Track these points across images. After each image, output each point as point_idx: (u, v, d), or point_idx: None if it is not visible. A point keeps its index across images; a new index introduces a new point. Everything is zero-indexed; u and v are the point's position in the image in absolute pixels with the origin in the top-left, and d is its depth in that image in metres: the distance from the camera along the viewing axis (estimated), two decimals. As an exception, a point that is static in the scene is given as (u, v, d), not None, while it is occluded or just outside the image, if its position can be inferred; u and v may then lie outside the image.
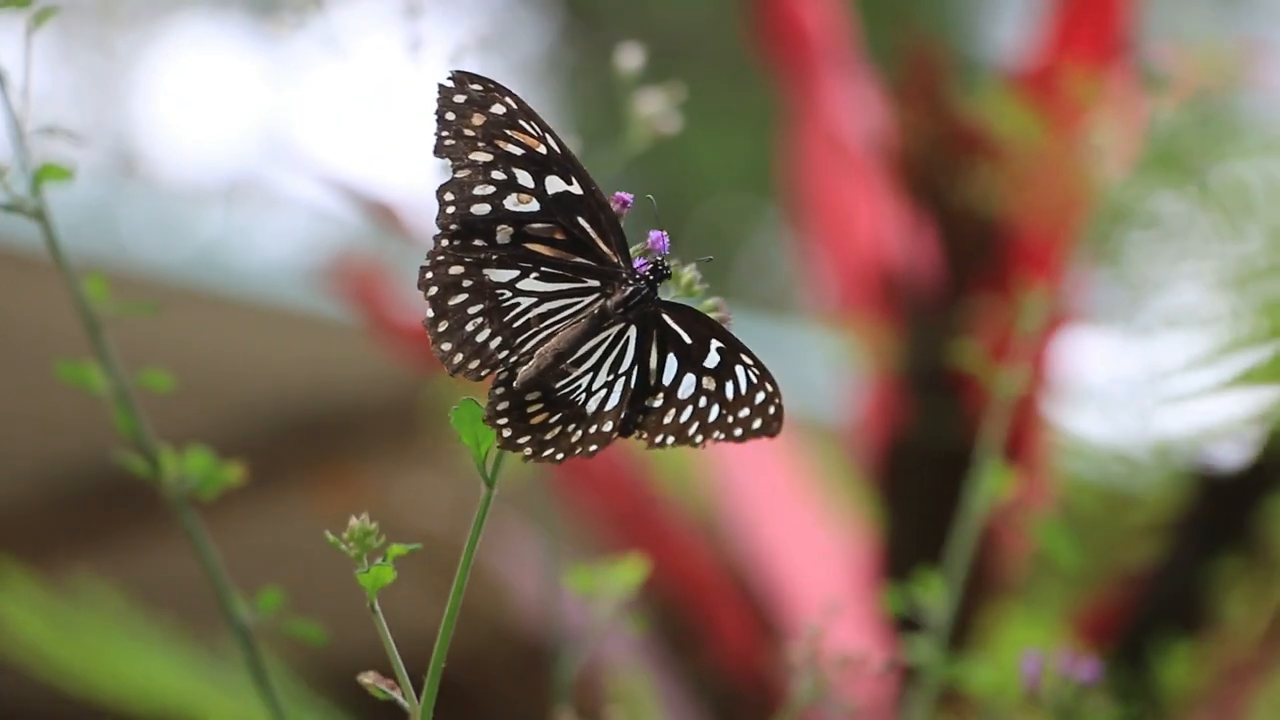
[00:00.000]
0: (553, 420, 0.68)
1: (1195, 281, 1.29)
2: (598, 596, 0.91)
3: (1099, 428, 1.44)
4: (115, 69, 5.30)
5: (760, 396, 0.69)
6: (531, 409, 0.68)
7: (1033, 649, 0.91)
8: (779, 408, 0.69)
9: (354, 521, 0.68)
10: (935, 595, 0.96)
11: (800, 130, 1.59)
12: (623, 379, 0.68)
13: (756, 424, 0.69)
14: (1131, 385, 1.39)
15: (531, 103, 0.69)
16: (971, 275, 1.44)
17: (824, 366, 1.76)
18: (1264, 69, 1.56)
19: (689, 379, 0.69)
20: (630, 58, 0.88)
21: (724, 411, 0.69)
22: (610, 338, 0.68)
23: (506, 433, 0.67)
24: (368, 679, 0.68)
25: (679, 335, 0.69)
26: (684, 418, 0.69)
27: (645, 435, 0.69)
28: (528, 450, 0.68)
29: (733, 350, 0.69)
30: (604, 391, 0.68)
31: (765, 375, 0.69)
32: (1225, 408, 1.34)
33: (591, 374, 0.68)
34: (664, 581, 1.53)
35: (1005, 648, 1.39)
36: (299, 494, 2.27)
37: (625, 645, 1.53)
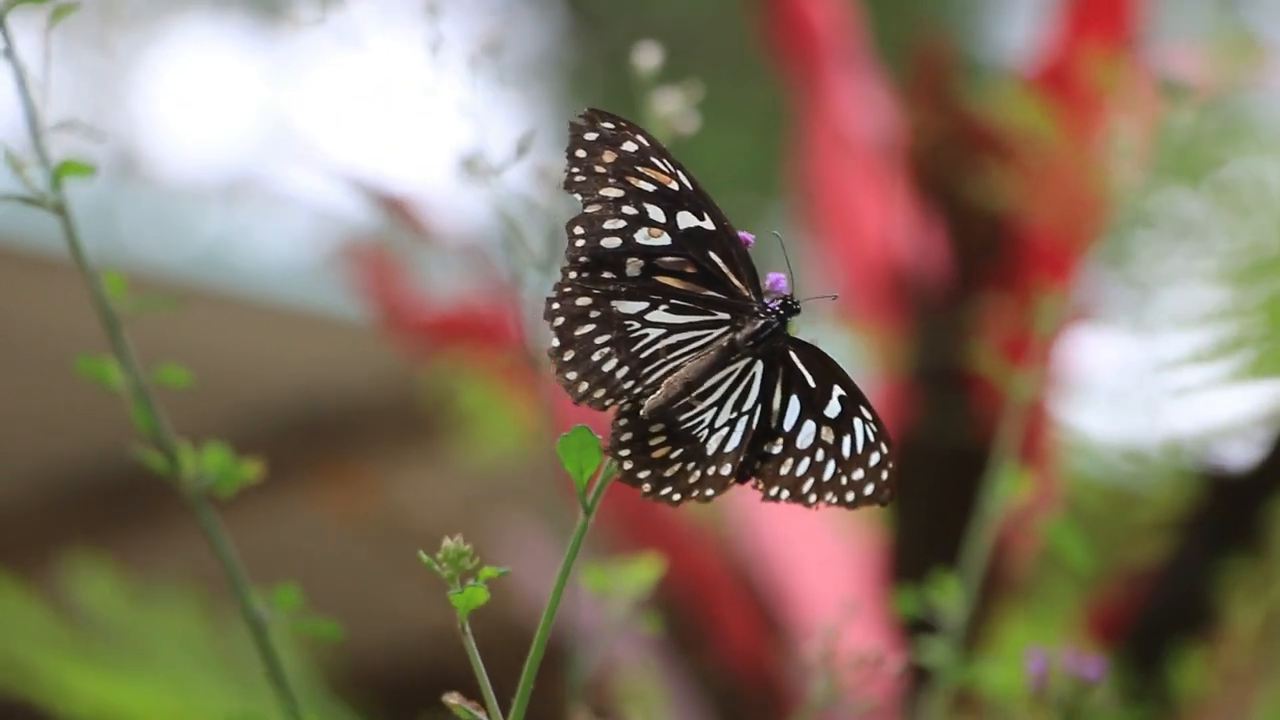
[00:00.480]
0: (674, 456, 0.68)
1: (1203, 279, 1.29)
2: (613, 595, 0.90)
3: (1106, 426, 1.44)
4: (116, 68, 5.30)
5: (875, 458, 0.69)
6: (654, 441, 0.68)
7: (1038, 648, 0.90)
8: (892, 474, 0.69)
9: (448, 542, 0.67)
10: (951, 597, 0.95)
11: (809, 128, 1.59)
12: (745, 418, 0.68)
13: (869, 489, 0.69)
14: (1139, 383, 1.39)
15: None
16: (980, 274, 1.44)
17: (844, 363, 1.75)
18: (1270, 68, 1.56)
19: (809, 426, 0.68)
20: (648, 57, 0.88)
21: (839, 470, 0.68)
22: (737, 372, 0.68)
23: (628, 465, 0.68)
24: (453, 700, 0.68)
25: (804, 377, 0.69)
26: (800, 470, 0.68)
27: (761, 485, 0.69)
28: (646, 486, 0.68)
29: (854, 400, 0.69)
30: (726, 429, 0.68)
31: (883, 434, 0.69)
32: (1232, 406, 1.34)
33: (716, 409, 0.68)
34: (670, 580, 1.53)
35: (1012, 647, 1.39)
36: (301, 493, 2.27)
37: (632, 644, 1.53)
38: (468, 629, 0.67)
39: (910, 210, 1.49)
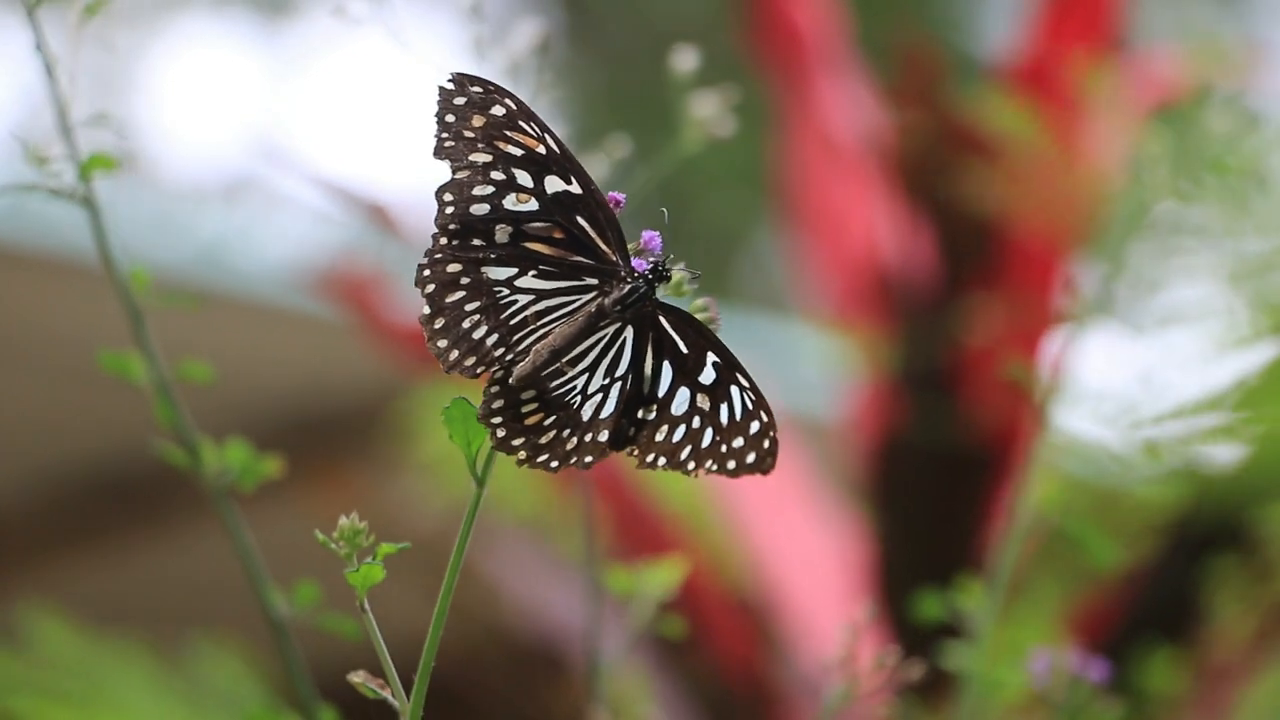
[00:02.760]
0: (547, 423, 0.67)
1: (1193, 279, 1.29)
2: (632, 599, 0.90)
3: (1093, 427, 1.44)
4: (116, 66, 5.30)
5: (755, 426, 0.68)
6: (526, 409, 0.67)
7: (1041, 648, 0.90)
8: (774, 442, 0.68)
9: (343, 520, 0.68)
10: (976, 600, 0.95)
11: (795, 129, 1.59)
12: (618, 384, 0.68)
13: (750, 457, 0.68)
14: (1127, 384, 1.39)
15: (530, 101, 0.69)
16: (967, 274, 1.44)
17: (819, 365, 1.75)
18: (1264, 69, 1.55)
19: (683, 393, 0.68)
20: (685, 59, 0.88)
21: (717, 437, 0.68)
22: (606, 338, 0.68)
23: (500, 433, 0.67)
24: (357, 677, 0.68)
25: (675, 342, 0.68)
26: (676, 437, 0.68)
27: (637, 452, 0.68)
28: (521, 454, 0.67)
29: (729, 368, 0.68)
30: (599, 396, 0.68)
31: (761, 402, 0.68)
32: (1220, 407, 1.34)
33: (587, 375, 0.68)
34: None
35: (1000, 647, 1.39)
36: (293, 494, 2.27)
37: (621, 647, 1.53)
38: (367, 608, 0.68)
39: (897, 211, 1.49)
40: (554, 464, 0.68)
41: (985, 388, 1.42)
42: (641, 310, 0.68)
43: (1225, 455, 1.36)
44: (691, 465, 0.68)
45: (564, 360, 0.68)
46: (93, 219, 0.82)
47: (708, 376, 0.68)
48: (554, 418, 0.68)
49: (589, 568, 0.95)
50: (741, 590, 1.56)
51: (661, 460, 0.68)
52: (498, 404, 0.67)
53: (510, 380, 0.67)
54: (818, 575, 1.56)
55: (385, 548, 0.67)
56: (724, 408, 0.68)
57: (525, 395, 0.67)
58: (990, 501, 1.45)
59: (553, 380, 0.68)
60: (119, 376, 0.84)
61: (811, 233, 1.57)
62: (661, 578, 0.92)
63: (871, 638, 1.44)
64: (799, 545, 1.58)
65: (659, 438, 0.68)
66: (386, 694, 0.68)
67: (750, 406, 0.68)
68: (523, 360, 0.68)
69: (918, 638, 0.98)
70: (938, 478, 1.44)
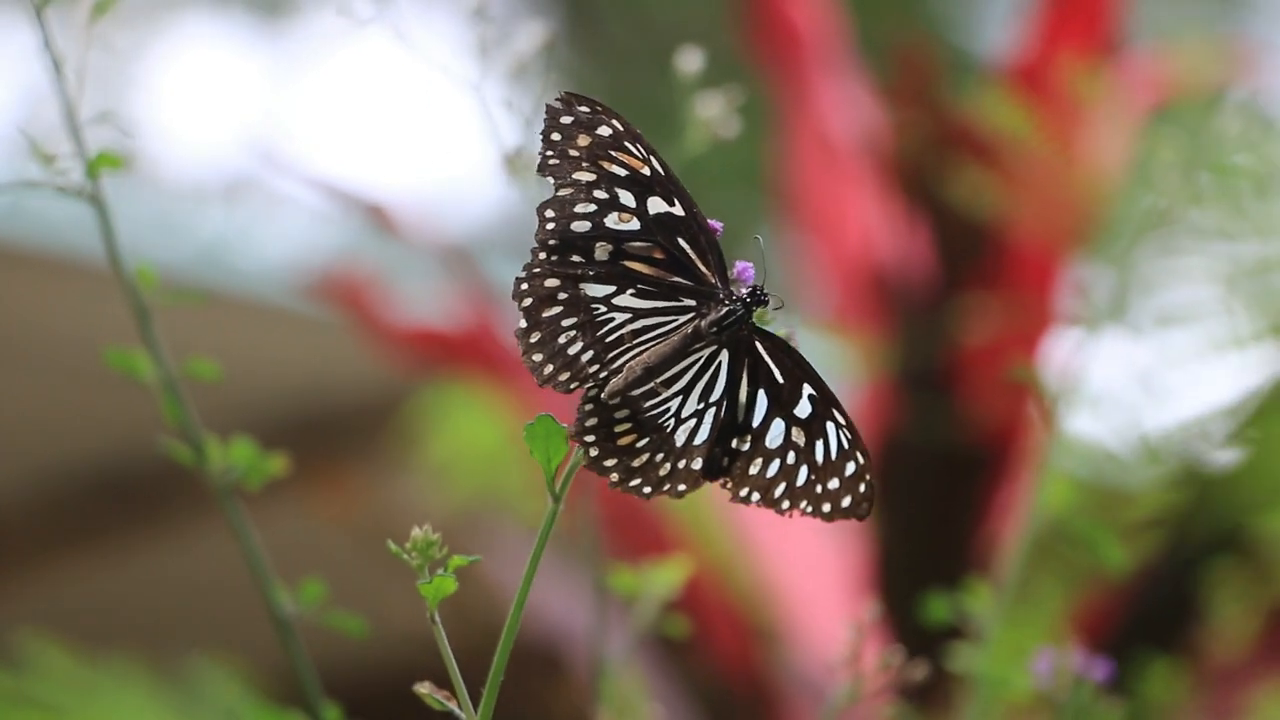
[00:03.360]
0: (640, 444, 0.67)
1: (1193, 280, 1.29)
2: (635, 599, 0.90)
3: (1092, 426, 1.44)
4: (116, 66, 5.30)
5: (851, 468, 0.67)
6: (619, 428, 0.67)
7: (1044, 648, 0.90)
8: (870, 487, 0.68)
9: (417, 531, 0.67)
10: (983, 603, 0.95)
11: (792, 130, 1.59)
12: (713, 409, 0.67)
13: (845, 501, 0.67)
14: (1125, 383, 1.39)
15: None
16: (964, 275, 1.44)
17: (817, 365, 1.75)
18: (1260, 69, 1.55)
19: (778, 425, 0.67)
20: (690, 60, 0.88)
21: (812, 476, 0.67)
22: (702, 360, 0.68)
23: (594, 451, 0.67)
24: (423, 688, 0.67)
25: (771, 371, 0.68)
26: (770, 472, 0.67)
27: (730, 484, 0.68)
28: (614, 476, 0.67)
29: (825, 402, 0.68)
30: (693, 421, 0.67)
31: (857, 443, 0.68)
32: (1218, 406, 1.34)
33: (681, 398, 0.67)
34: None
35: (1000, 647, 1.39)
36: (291, 494, 2.27)
37: (625, 648, 1.53)
38: (438, 619, 0.67)
39: (894, 211, 1.49)
40: (646, 489, 0.68)
41: (983, 388, 1.42)
42: (738, 334, 0.68)
43: (1225, 459, 1.36)
44: (786, 504, 0.68)
45: (658, 380, 0.67)
46: (100, 217, 0.82)
47: (803, 410, 0.68)
48: (647, 439, 0.67)
49: (593, 568, 0.95)
50: (741, 590, 1.56)
51: (755, 495, 0.68)
52: (591, 422, 0.67)
53: (602, 395, 0.67)
54: (816, 575, 1.56)
55: (457, 560, 0.67)
56: (819, 444, 0.68)
57: (619, 414, 0.67)
58: (988, 501, 1.46)
59: (646, 400, 0.67)
60: (125, 374, 0.85)
61: (810, 233, 1.57)
62: (666, 578, 0.92)
63: (871, 637, 1.44)
64: (798, 544, 1.58)
65: (753, 471, 0.68)
66: (453, 705, 0.67)
67: (846, 445, 0.67)
68: (616, 377, 0.67)
69: (916, 638, 0.98)
70: (936, 477, 1.44)
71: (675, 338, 0.68)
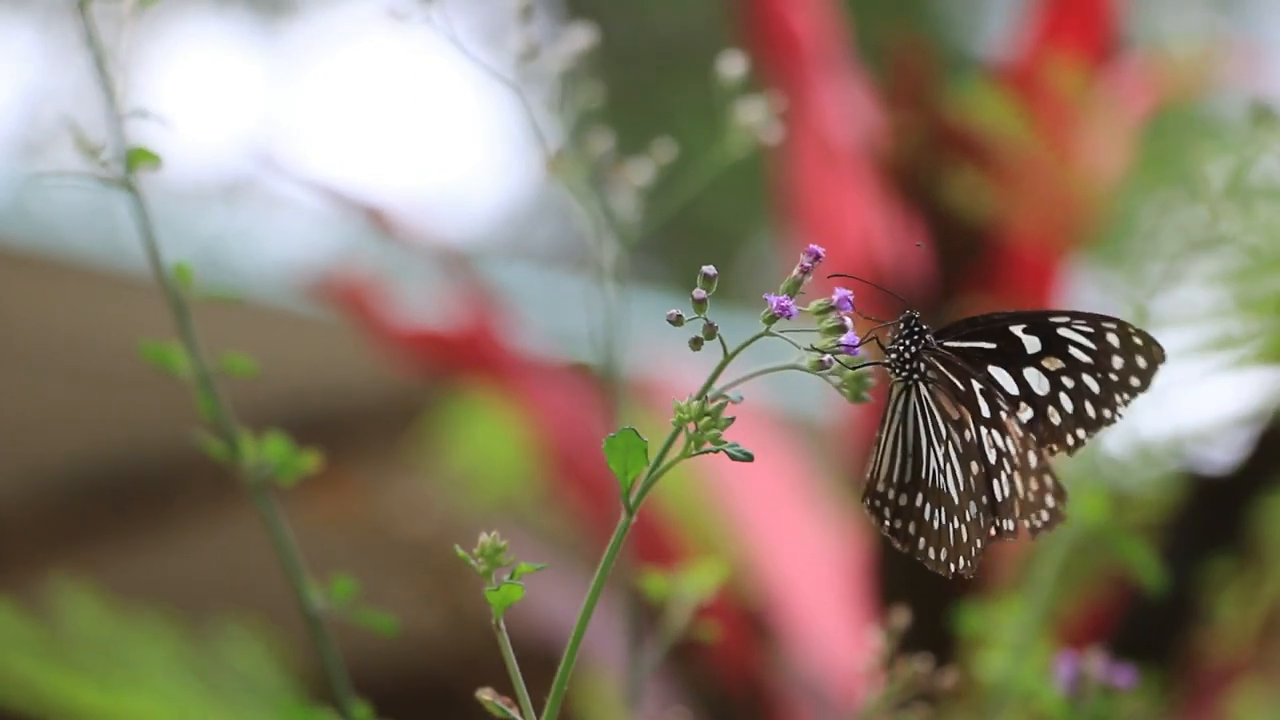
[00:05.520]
0: (918, 502, 0.68)
1: (1187, 280, 1.29)
2: (672, 601, 0.90)
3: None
4: (115, 66, 5.28)
5: (1117, 339, 0.68)
6: (894, 495, 0.69)
7: (1068, 653, 0.90)
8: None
9: (484, 538, 0.66)
10: (1014, 615, 0.95)
11: (790, 132, 1.59)
12: (950, 445, 0.68)
13: (1141, 363, 0.68)
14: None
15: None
16: (961, 276, 1.44)
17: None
18: (1256, 69, 1.55)
19: (1031, 374, 0.68)
20: (733, 65, 0.88)
21: (1097, 373, 0.68)
22: (901, 406, 0.68)
23: (885, 523, 0.69)
24: (486, 695, 0.67)
25: (979, 353, 0.68)
26: (1069, 407, 0.67)
27: (1054, 446, 0.68)
28: (905, 547, 0.68)
29: (1045, 322, 0.69)
30: (949, 465, 0.68)
31: (1107, 317, 0.68)
32: (1217, 407, 1.34)
33: (926, 449, 0.68)
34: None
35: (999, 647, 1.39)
36: (290, 494, 2.27)
37: (616, 648, 1.53)
38: (503, 626, 0.66)
39: (891, 213, 1.49)
40: (961, 562, 0.68)
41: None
42: (916, 367, 0.68)
43: (1222, 459, 1.36)
44: (1105, 413, 0.68)
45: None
46: (137, 210, 0.82)
47: (1033, 345, 0.68)
48: (919, 495, 0.68)
49: (622, 576, 0.94)
50: (741, 592, 1.57)
51: (1081, 432, 0.68)
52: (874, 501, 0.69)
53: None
54: (816, 576, 1.56)
55: (524, 567, 0.66)
56: (1069, 350, 0.68)
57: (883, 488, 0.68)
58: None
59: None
60: (161, 368, 0.85)
61: (808, 234, 1.57)
62: (698, 582, 0.91)
63: (868, 640, 1.44)
64: (798, 546, 1.58)
65: (1056, 422, 0.68)
66: (514, 712, 0.66)
67: (1113, 327, 0.69)
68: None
69: (916, 638, 0.98)
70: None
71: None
